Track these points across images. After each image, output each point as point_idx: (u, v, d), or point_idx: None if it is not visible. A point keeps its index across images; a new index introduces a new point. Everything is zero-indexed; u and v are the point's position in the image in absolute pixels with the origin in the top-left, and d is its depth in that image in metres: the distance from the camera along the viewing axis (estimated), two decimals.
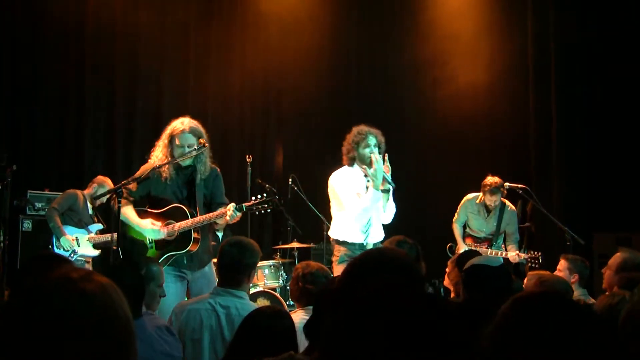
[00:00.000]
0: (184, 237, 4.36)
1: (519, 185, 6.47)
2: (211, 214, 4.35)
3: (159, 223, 4.39)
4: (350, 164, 5.01)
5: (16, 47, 7.87)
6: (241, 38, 9.02)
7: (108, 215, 7.13)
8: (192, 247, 4.38)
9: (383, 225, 5.07)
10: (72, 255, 6.45)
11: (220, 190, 4.57)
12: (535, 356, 1.31)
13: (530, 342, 1.33)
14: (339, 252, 4.90)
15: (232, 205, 4.26)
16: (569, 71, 7.93)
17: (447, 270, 4.05)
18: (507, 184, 6.52)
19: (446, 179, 8.48)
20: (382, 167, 4.73)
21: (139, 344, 1.34)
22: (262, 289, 6.44)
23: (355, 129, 4.99)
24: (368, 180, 4.87)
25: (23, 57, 7.90)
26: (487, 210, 6.74)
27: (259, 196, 4.34)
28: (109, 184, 6.75)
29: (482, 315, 1.56)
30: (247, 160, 6.73)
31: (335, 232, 5.00)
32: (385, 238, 4.95)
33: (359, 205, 4.82)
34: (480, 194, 6.70)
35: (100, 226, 6.80)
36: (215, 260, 3.97)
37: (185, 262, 4.43)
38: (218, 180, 4.61)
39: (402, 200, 7.23)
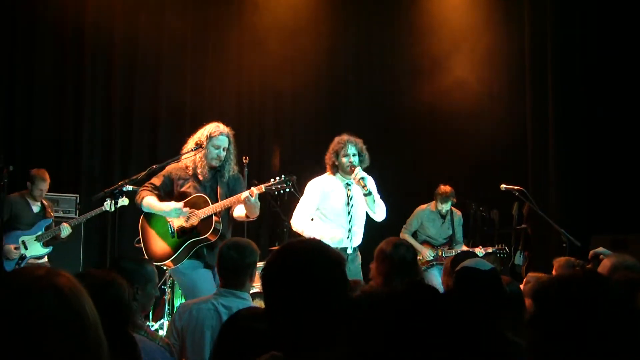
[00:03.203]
0: (205, 224, 4.52)
1: (516, 187, 6.45)
2: (232, 198, 4.52)
3: (181, 203, 4.55)
4: (334, 173, 5.21)
5: (14, 50, 7.87)
6: (238, 40, 9.01)
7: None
8: (211, 236, 4.50)
9: (378, 222, 5.24)
10: (20, 261, 6.37)
11: (240, 191, 4.69)
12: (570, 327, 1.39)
13: (568, 317, 1.41)
14: None
15: (254, 189, 4.43)
16: (566, 72, 7.95)
17: (442, 278, 4.09)
18: (503, 185, 6.49)
19: (442, 180, 8.47)
20: (361, 172, 4.99)
21: None
22: (259, 290, 6.42)
23: (336, 139, 5.20)
24: (349, 189, 5.11)
25: (21, 59, 7.90)
26: (442, 216, 7.06)
27: (277, 178, 4.50)
28: (45, 176, 6.60)
29: (469, 316, 1.59)
30: (244, 161, 6.72)
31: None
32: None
33: (298, 222, 5.13)
34: (433, 202, 7.05)
35: (48, 221, 6.64)
36: None
37: (205, 252, 4.56)
38: (239, 182, 4.89)
39: (398, 201, 7.23)
